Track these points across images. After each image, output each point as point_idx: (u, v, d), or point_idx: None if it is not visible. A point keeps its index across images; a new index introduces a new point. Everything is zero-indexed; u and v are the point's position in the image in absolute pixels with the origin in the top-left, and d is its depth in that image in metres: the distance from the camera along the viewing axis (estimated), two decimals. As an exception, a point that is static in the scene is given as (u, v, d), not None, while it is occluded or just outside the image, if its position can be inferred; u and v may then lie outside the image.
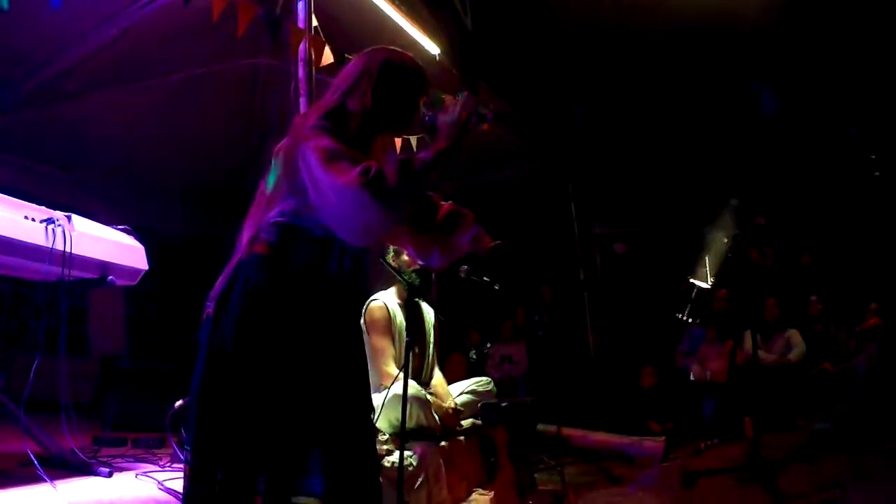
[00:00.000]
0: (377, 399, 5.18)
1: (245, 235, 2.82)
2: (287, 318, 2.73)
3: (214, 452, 2.66)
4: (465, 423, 5.79)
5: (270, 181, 2.84)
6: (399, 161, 2.60)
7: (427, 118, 2.85)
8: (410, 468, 4.80)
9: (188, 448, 2.73)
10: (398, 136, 3.01)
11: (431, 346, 5.76)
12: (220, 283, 2.80)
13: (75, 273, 4.41)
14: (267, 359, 2.67)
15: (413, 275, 5.31)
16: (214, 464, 2.65)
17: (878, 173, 11.17)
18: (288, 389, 2.69)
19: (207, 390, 2.70)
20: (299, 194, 2.70)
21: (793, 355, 9.42)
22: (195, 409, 2.73)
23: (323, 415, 2.74)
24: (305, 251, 2.78)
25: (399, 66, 2.94)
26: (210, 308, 2.77)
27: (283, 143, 2.86)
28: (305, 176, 2.66)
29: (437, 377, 5.77)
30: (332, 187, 2.56)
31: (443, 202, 3.17)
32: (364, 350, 3.02)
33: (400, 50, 3.01)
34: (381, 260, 5.42)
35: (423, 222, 3.12)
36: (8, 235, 3.99)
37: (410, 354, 4.59)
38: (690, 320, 9.74)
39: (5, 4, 4.66)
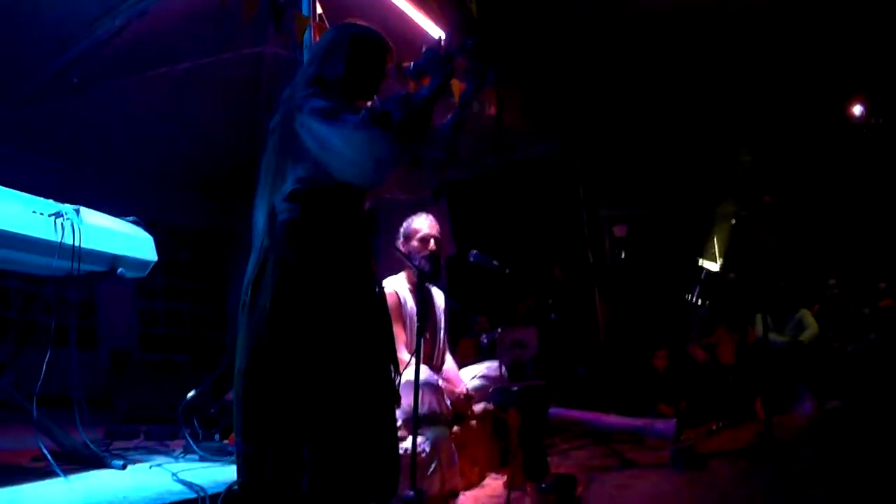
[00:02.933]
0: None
1: (259, 218, 2.89)
2: (320, 293, 2.81)
3: (262, 435, 2.75)
4: (477, 407, 5.79)
5: (271, 159, 2.91)
6: (400, 97, 2.83)
7: (411, 67, 3.13)
8: (423, 454, 4.81)
9: (237, 436, 2.81)
10: (365, 100, 3.12)
11: (442, 331, 5.76)
12: (249, 271, 2.86)
13: (85, 266, 4.41)
14: (308, 337, 2.75)
15: (423, 260, 5.30)
16: (264, 445, 2.74)
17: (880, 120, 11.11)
18: (328, 362, 2.76)
19: (250, 378, 2.76)
20: (305, 160, 2.82)
21: (805, 336, 9.40)
22: (239, 399, 2.80)
23: (358, 385, 2.83)
24: (326, 215, 2.87)
25: (366, 36, 3.15)
26: (245, 297, 2.82)
27: (276, 120, 2.98)
28: (310, 141, 2.79)
29: (449, 362, 5.78)
30: (341, 137, 2.71)
31: None
32: (389, 315, 3.14)
33: (365, 23, 3.22)
34: (394, 247, 5.42)
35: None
36: (16, 231, 3.99)
37: (422, 340, 4.60)
38: (700, 303, 9.73)
39: None
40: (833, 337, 9.58)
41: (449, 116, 3.23)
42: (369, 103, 3.15)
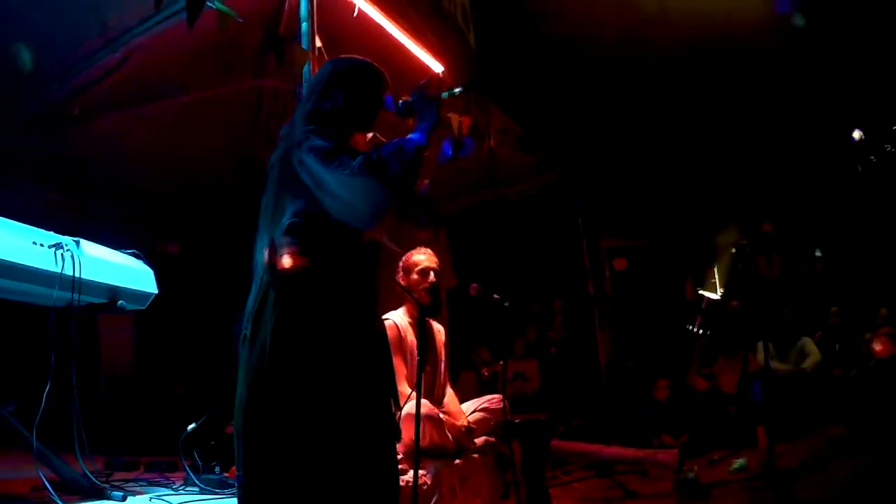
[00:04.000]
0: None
1: (260, 252, 2.92)
2: (321, 327, 2.81)
3: (263, 468, 2.76)
4: (479, 440, 5.77)
5: (271, 195, 2.93)
6: (393, 144, 2.80)
7: (401, 104, 3.11)
8: (425, 487, 4.78)
9: (238, 470, 2.81)
10: (364, 132, 3.14)
11: (443, 364, 5.74)
12: (250, 304, 2.89)
13: (85, 298, 4.41)
14: (308, 371, 2.76)
15: (423, 293, 5.30)
16: (264, 480, 2.75)
17: (873, 158, 11.13)
18: (328, 396, 2.77)
19: (251, 415, 2.76)
20: (304, 196, 2.83)
21: (807, 364, 9.39)
22: (240, 432, 2.81)
23: (358, 420, 2.83)
24: (325, 250, 2.89)
25: (362, 68, 3.18)
26: (246, 330, 2.84)
27: (276, 155, 3.01)
28: (307, 179, 2.80)
29: (450, 395, 5.75)
30: (338, 181, 2.72)
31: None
32: (388, 349, 3.14)
33: (359, 56, 3.24)
34: (394, 281, 5.41)
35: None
36: (16, 261, 3.99)
37: (422, 373, 4.59)
38: (701, 332, 9.72)
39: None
40: (834, 363, 9.57)
41: (426, 183, 3.26)
42: (369, 135, 3.17)
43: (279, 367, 2.72)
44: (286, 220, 2.84)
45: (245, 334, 2.86)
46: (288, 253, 2.84)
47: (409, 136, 2.92)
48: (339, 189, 2.71)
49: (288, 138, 2.97)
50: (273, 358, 2.73)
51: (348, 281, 2.94)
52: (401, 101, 3.11)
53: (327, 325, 2.80)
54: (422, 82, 3.08)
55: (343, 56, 3.24)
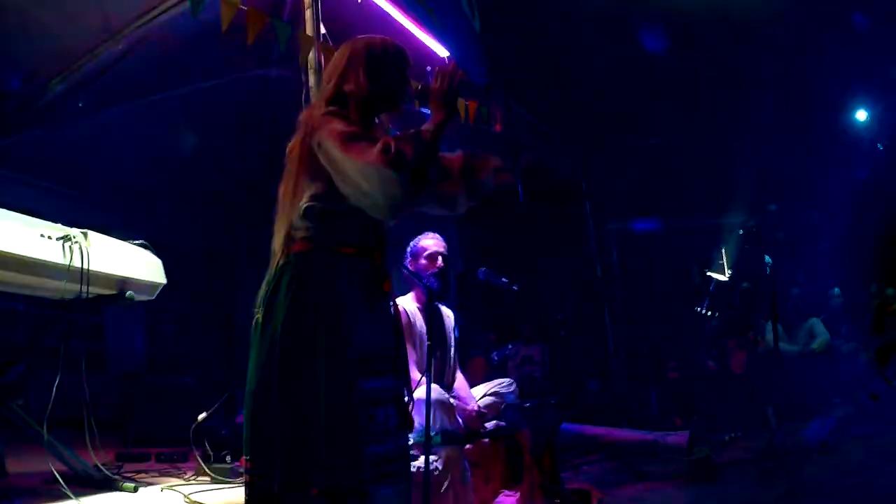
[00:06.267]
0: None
1: (277, 239, 2.92)
2: (334, 313, 2.81)
3: (270, 454, 2.75)
4: (489, 424, 5.76)
5: (289, 180, 2.94)
6: (411, 135, 2.82)
7: (419, 88, 3.10)
8: (436, 472, 4.78)
9: (246, 455, 2.82)
10: (391, 112, 3.12)
11: (452, 349, 5.73)
12: (264, 288, 2.90)
13: (93, 289, 4.41)
14: (316, 352, 2.75)
15: (431, 278, 5.28)
16: (271, 465, 2.74)
17: (881, 146, 11.11)
18: (339, 383, 2.75)
19: (260, 397, 2.77)
20: (321, 179, 2.82)
21: (816, 344, 9.38)
22: (249, 414, 2.82)
23: (369, 408, 2.82)
24: (341, 234, 2.89)
25: (382, 47, 3.11)
26: (258, 315, 2.87)
27: (294, 140, 2.97)
28: (324, 161, 2.79)
29: (460, 380, 5.75)
30: (355, 169, 2.70)
31: (454, 154, 3.28)
32: (402, 335, 3.14)
33: (377, 36, 3.18)
34: (402, 267, 5.40)
35: (442, 174, 3.20)
36: (25, 254, 3.99)
37: (432, 359, 4.58)
38: (710, 314, 9.71)
39: None
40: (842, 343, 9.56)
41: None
42: (378, 119, 3.15)
43: (291, 354, 2.72)
44: (303, 204, 2.83)
45: (257, 319, 2.86)
46: (304, 237, 2.83)
47: (426, 127, 2.90)
48: (358, 177, 2.68)
49: (306, 121, 2.94)
50: (284, 344, 2.73)
51: (363, 265, 2.93)
52: (419, 86, 3.09)
53: (341, 310, 2.79)
54: (443, 69, 3.03)
55: (361, 36, 3.17)
